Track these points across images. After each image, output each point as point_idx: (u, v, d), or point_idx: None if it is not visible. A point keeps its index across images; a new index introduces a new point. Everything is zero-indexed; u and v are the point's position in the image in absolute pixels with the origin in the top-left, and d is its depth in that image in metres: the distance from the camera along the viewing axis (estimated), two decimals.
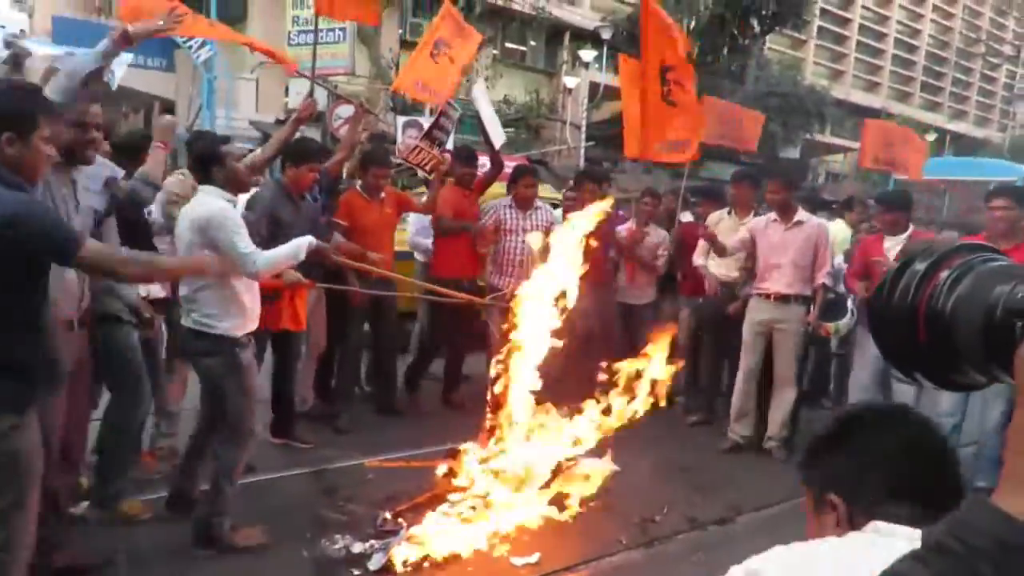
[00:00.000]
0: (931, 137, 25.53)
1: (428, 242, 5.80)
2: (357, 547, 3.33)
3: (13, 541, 2.17)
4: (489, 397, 4.07)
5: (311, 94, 5.22)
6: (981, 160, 20.89)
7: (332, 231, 4.84)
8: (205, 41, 11.04)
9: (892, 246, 4.80)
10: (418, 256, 6.14)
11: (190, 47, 11.94)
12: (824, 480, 1.10)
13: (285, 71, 7.73)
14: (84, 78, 2.84)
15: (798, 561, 0.99)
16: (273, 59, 5.67)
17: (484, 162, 5.94)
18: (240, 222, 3.16)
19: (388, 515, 3.63)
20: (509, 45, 22.30)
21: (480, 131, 5.90)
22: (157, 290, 3.81)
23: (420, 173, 5.90)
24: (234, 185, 3.27)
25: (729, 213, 5.74)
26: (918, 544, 0.72)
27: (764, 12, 20.63)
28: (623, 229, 6.03)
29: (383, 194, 5.21)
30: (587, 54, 19.91)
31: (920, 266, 0.84)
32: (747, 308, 5.22)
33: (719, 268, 5.55)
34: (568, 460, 4.29)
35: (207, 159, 3.18)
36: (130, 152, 3.76)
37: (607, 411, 4.00)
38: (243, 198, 4.72)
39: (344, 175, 5.44)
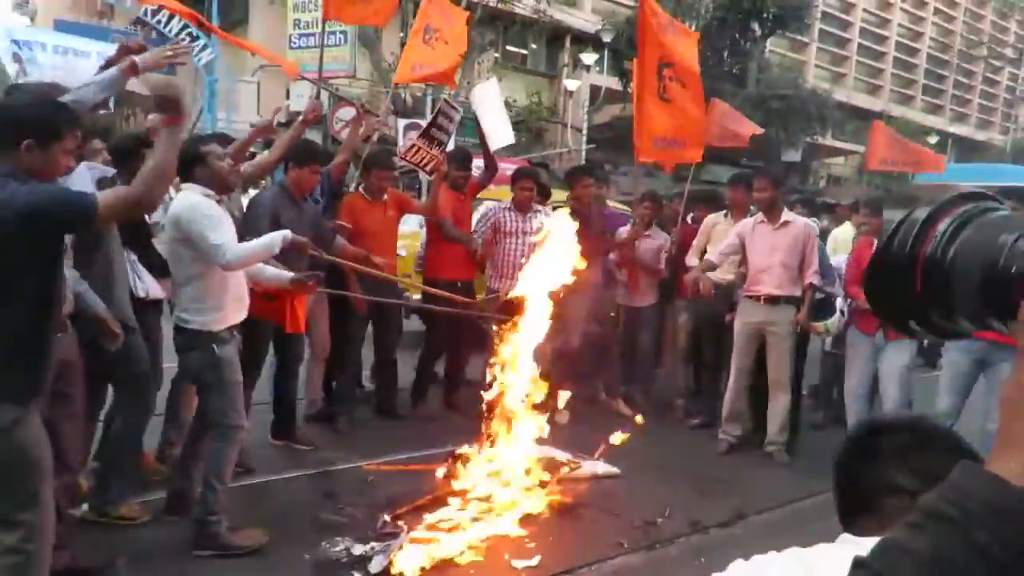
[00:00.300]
0: (933, 140, 25.58)
1: None
2: (358, 549, 3.32)
3: (35, 533, 2.23)
4: (486, 400, 4.06)
5: (316, 96, 5.20)
6: (998, 166, 20.95)
7: (336, 233, 4.83)
8: (206, 44, 11.05)
9: None
10: None
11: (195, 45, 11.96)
12: None
13: (287, 72, 7.74)
14: (91, 106, 2.91)
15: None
16: (274, 64, 5.70)
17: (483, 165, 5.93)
18: (214, 215, 3.18)
19: (389, 518, 3.61)
20: (510, 48, 22.35)
21: (478, 133, 5.88)
22: (157, 291, 3.80)
23: (422, 175, 5.88)
24: (218, 183, 3.31)
25: (725, 216, 5.75)
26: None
27: (765, 15, 20.66)
28: (623, 231, 6.02)
29: (385, 196, 5.21)
30: (588, 57, 19.95)
31: (920, 215, 0.82)
32: (738, 310, 5.22)
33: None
34: (569, 463, 4.29)
35: (189, 159, 3.25)
36: (122, 154, 3.75)
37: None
38: (244, 200, 4.75)
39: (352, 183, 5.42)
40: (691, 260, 5.76)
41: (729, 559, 1.01)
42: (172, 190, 3.59)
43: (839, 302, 5.16)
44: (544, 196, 6.43)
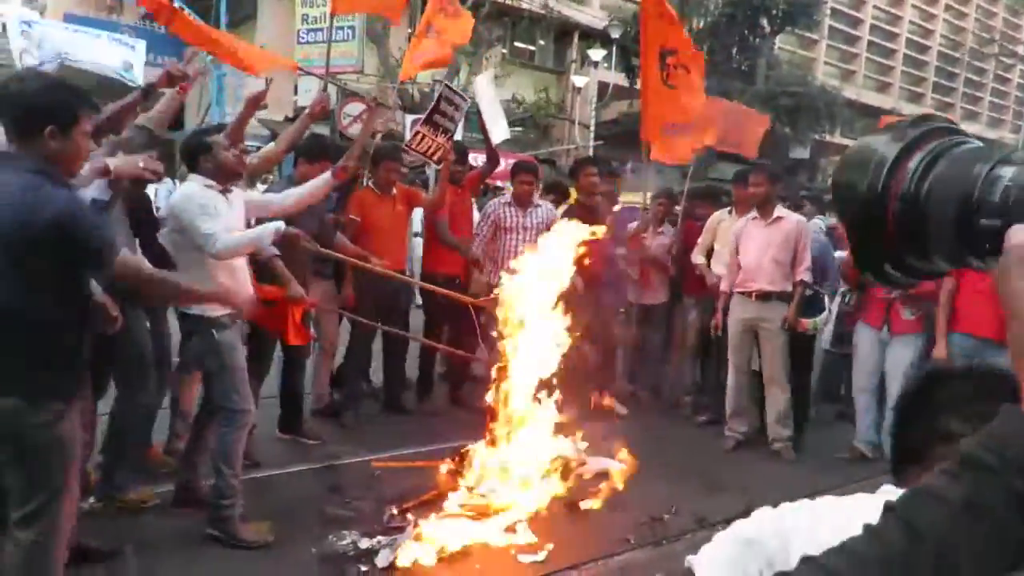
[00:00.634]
0: None
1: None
2: (364, 543, 3.33)
3: (60, 522, 2.27)
4: (490, 395, 4.05)
5: (324, 90, 5.20)
6: None
7: (337, 230, 4.83)
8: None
9: None
10: None
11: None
12: None
13: (290, 68, 7.76)
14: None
15: (803, 522, 0.95)
16: (276, 65, 5.69)
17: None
18: (208, 204, 3.20)
19: (395, 512, 3.62)
20: (518, 44, 22.29)
21: (480, 127, 5.85)
22: None
23: (428, 168, 5.87)
24: (224, 173, 3.34)
25: (730, 213, 5.72)
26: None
27: (775, 11, 20.56)
28: (631, 227, 6.00)
29: (394, 190, 5.20)
30: (596, 53, 19.88)
31: (889, 152, 0.79)
32: (731, 306, 5.20)
33: (719, 266, 5.53)
34: (576, 458, 4.27)
35: (193, 150, 3.33)
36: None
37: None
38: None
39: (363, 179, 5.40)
40: (697, 258, 5.73)
41: None
42: (176, 181, 3.61)
43: (827, 300, 5.17)
44: (562, 197, 6.41)
